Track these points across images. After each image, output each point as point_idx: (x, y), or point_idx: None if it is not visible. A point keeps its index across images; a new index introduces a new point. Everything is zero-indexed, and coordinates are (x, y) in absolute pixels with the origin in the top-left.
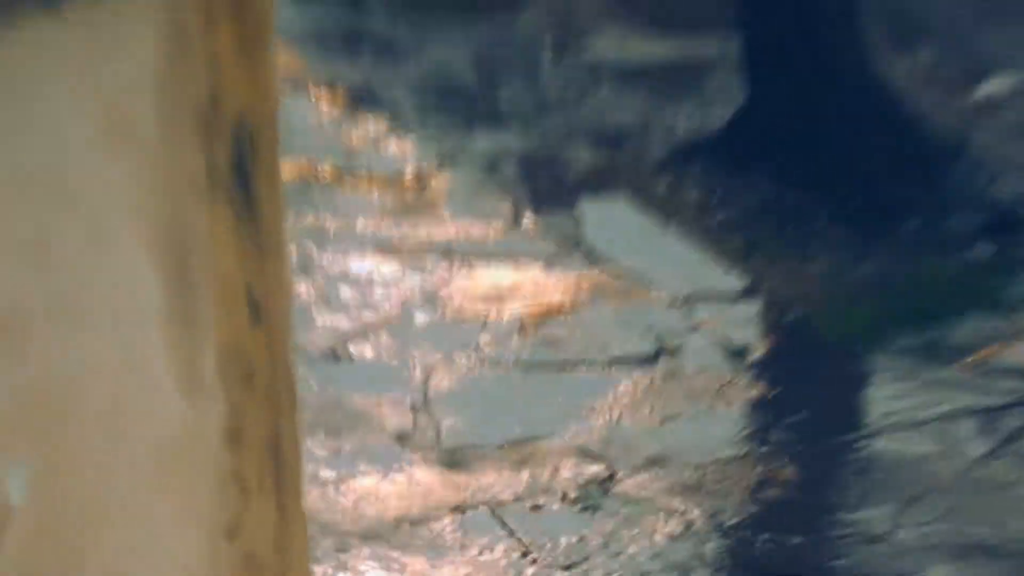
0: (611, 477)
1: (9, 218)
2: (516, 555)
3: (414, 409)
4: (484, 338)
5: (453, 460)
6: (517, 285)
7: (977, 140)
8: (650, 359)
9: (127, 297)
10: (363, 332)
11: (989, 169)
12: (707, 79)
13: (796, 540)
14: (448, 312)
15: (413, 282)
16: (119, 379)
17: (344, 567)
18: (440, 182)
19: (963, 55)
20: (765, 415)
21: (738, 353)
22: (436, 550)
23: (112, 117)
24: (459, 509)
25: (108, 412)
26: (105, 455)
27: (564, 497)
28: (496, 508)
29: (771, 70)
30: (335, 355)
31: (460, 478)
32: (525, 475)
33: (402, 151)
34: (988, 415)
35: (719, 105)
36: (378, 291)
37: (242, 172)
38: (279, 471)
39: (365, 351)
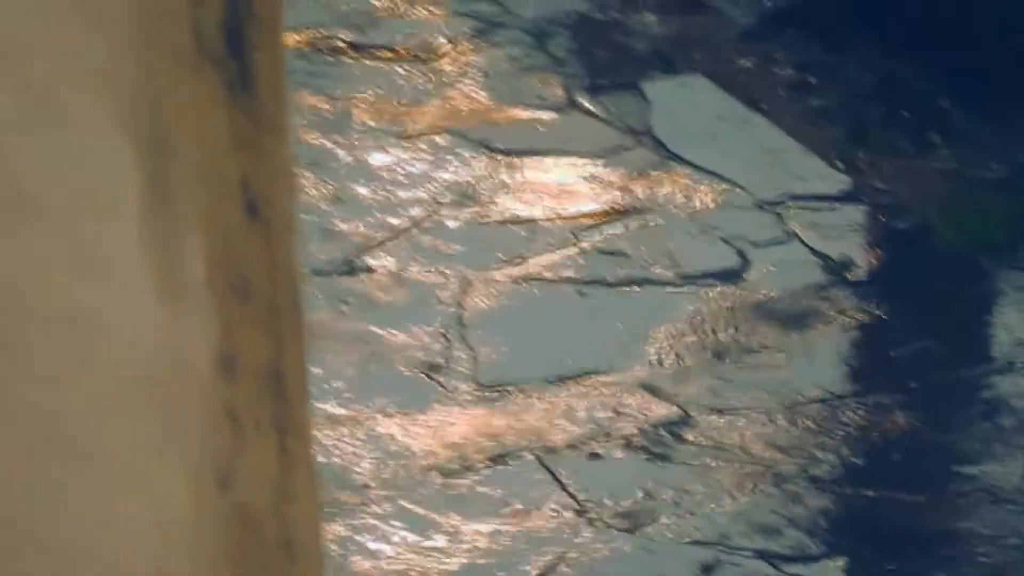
0: (684, 420)
1: None
2: (569, 513)
3: (446, 335)
4: (530, 248)
5: (493, 397)
6: (570, 184)
7: None
8: (732, 276)
9: (90, 182)
10: (384, 240)
11: None
12: None
13: (908, 498)
14: (487, 217)
15: (444, 179)
16: (81, 283)
17: (363, 527)
18: (478, 56)
19: None
20: (871, 345)
21: (839, 268)
22: (473, 506)
23: None
24: (501, 457)
25: (66, 324)
26: (63, 377)
27: (628, 443)
28: (545, 456)
29: None
30: (350, 267)
31: (502, 420)
32: (580, 416)
33: (432, 17)
34: None
35: None
36: (402, 190)
37: (235, 34)
38: (281, 407)
39: (386, 263)
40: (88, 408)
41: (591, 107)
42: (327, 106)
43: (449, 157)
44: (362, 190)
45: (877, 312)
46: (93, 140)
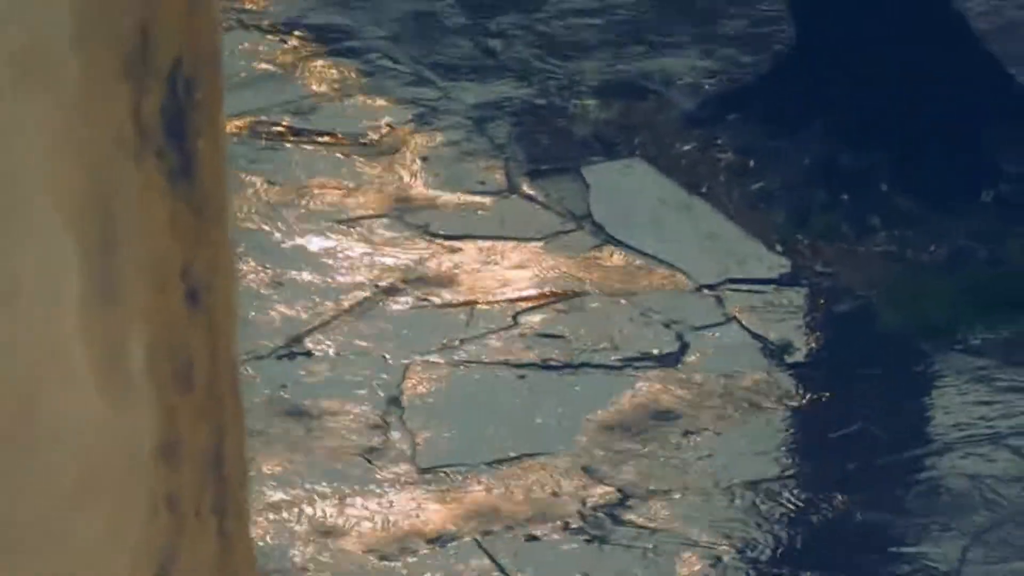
0: (622, 502)
1: None
2: None
3: (385, 419)
4: (470, 332)
5: (432, 481)
6: (510, 268)
7: None
8: (671, 359)
9: (37, 272)
10: (323, 324)
11: None
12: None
13: None
14: (427, 300)
15: (384, 263)
16: (34, 374)
17: None
18: (418, 142)
19: None
20: (810, 428)
21: (779, 351)
22: None
23: (25, 59)
24: (439, 540)
25: (22, 414)
26: (19, 467)
27: (566, 526)
28: (484, 539)
29: (823, 2)
30: (290, 352)
31: (440, 503)
32: (519, 499)
33: (373, 103)
34: None
35: (759, 46)
36: (341, 274)
37: (177, 125)
38: (221, 491)
39: (325, 347)
40: (40, 496)
41: (531, 191)
42: (267, 191)
43: (388, 241)
44: (301, 275)
45: (816, 395)
46: (41, 229)
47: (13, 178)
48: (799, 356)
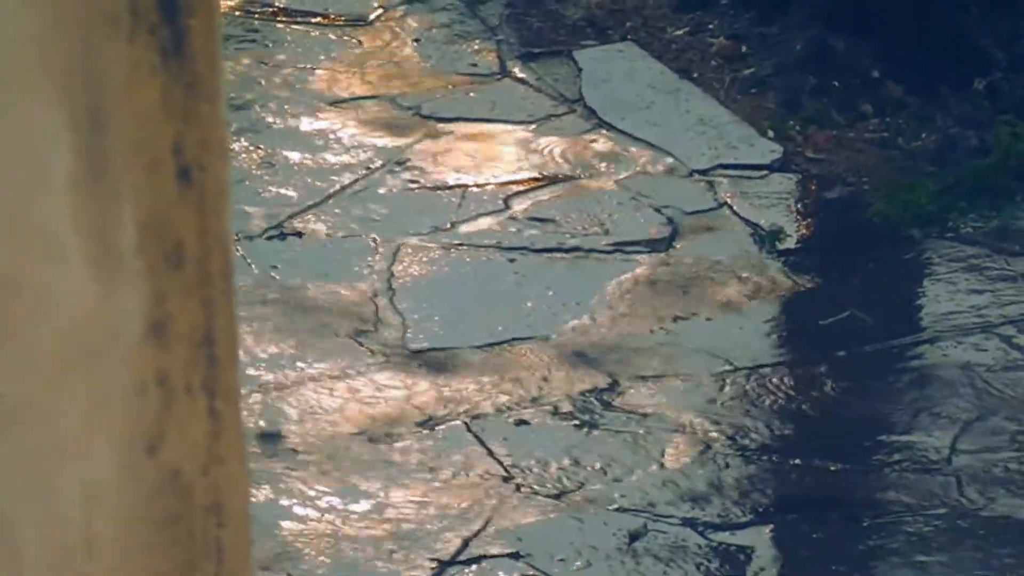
0: (612, 387)
1: None
2: (496, 479)
3: (375, 300)
4: (461, 215)
5: (422, 363)
6: (502, 151)
7: None
8: (662, 244)
9: (21, 147)
10: (314, 205)
11: None
12: None
13: (834, 467)
14: (418, 182)
15: (376, 145)
16: (15, 250)
17: (289, 490)
18: (410, 24)
19: None
20: (800, 314)
21: (769, 238)
22: (400, 472)
23: None
24: (428, 423)
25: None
26: None
27: (556, 411)
28: (473, 422)
29: None
30: (280, 232)
31: (430, 385)
32: (508, 383)
33: None
34: None
35: None
36: (333, 155)
37: (169, 2)
38: (211, 372)
39: (317, 228)
40: (20, 371)
41: (523, 75)
42: (259, 71)
43: (380, 123)
44: (293, 155)
45: (807, 281)
46: (25, 104)
47: (6, 54)
48: (789, 242)
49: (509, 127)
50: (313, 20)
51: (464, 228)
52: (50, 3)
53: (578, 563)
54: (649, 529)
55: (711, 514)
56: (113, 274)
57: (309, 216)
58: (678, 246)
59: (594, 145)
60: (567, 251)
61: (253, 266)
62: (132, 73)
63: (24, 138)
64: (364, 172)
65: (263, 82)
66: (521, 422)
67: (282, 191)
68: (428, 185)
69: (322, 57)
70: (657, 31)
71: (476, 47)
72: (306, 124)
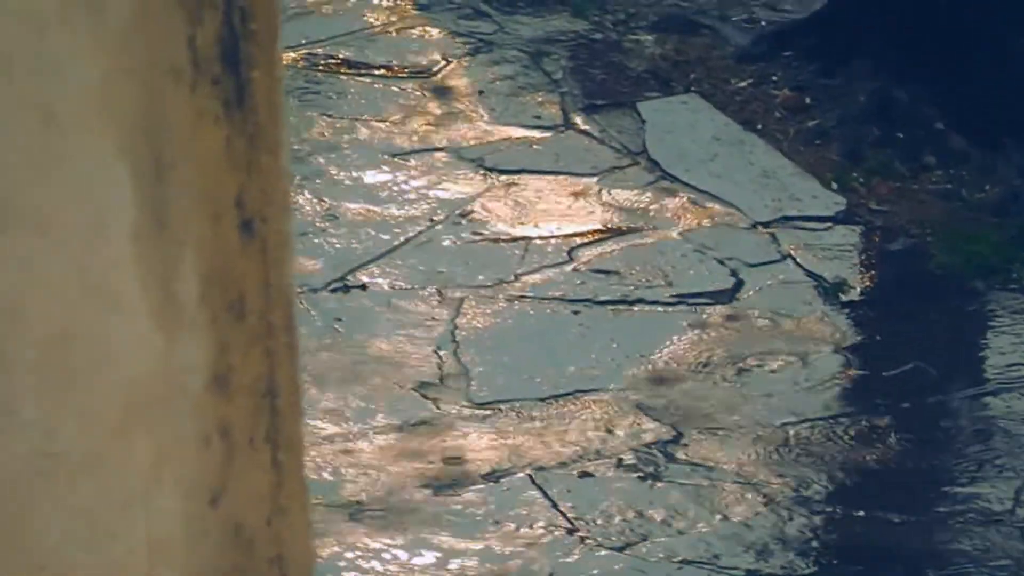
0: (676, 439)
1: None
2: (560, 532)
3: (439, 352)
4: (525, 267)
5: (486, 416)
6: (565, 203)
7: None
8: (725, 296)
9: (88, 200)
10: (378, 257)
11: None
12: None
13: (898, 519)
14: (482, 234)
15: (439, 197)
16: (76, 301)
17: (354, 544)
18: (474, 75)
19: None
20: (864, 366)
21: (833, 289)
22: (465, 524)
23: None
24: (493, 475)
25: (60, 341)
26: (58, 394)
27: (619, 463)
28: (537, 474)
29: None
30: (344, 285)
31: (494, 438)
32: (572, 435)
33: (429, 36)
34: None
35: None
36: (396, 207)
37: (232, 52)
38: (274, 424)
39: (380, 281)
40: (82, 424)
41: (587, 127)
42: (322, 123)
43: (444, 175)
44: (356, 207)
45: (870, 333)
46: (93, 157)
47: (65, 106)
48: (853, 294)
49: (572, 179)
50: (376, 72)
51: (528, 280)
52: (113, 53)
53: None
54: None
55: (775, 566)
56: (175, 325)
57: (373, 268)
58: (742, 298)
59: (658, 197)
60: (631, 303)
61: (316, 319)
62: (195, 124)
63: (86, 187)
64: (428, 224)
65: (326, 134)
66: (585, 474)
67: (345, 243)
68: (492, 237)
69: (385, 109)
70: (720, 82)
71: (540, 99)
72: (370, 176)
